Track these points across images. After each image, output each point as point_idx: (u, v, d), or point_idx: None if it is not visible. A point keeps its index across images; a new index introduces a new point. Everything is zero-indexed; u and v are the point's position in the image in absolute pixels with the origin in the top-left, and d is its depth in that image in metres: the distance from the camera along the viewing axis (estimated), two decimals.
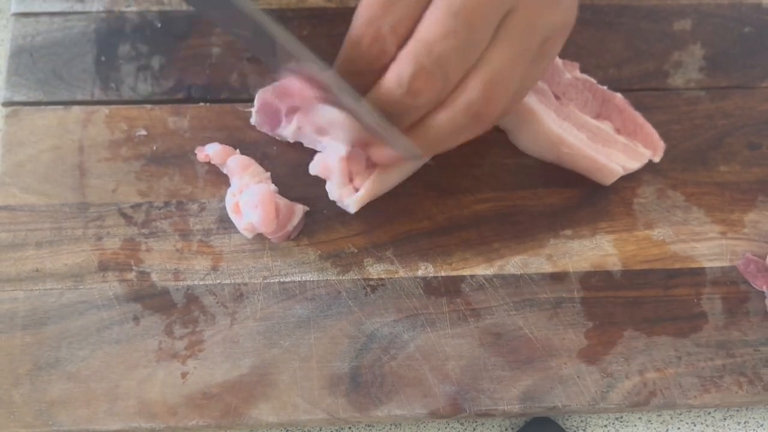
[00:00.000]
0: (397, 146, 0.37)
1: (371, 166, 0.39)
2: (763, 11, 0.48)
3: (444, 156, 0.40)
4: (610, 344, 0.40)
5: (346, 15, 0.46)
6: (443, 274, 0.41)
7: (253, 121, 0.43)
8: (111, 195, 0.42)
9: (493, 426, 0.42)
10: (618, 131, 0.43)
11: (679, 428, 0.42)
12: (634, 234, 0.43)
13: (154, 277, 0.41)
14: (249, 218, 0.40)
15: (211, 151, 0.42)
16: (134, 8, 0.46)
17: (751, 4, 0.49)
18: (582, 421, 0.42)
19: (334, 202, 0.41)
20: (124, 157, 0.43)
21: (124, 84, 0.45)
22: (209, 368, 0.39)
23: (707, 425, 0.42)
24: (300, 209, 0.41)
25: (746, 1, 0.49)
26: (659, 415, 0.42)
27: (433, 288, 0.41)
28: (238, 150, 0.42)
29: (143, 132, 0.44)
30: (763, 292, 0.42)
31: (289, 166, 0.43)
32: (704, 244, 0.43)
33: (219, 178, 0.43)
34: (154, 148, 0.43)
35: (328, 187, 0.40)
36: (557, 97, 0.43)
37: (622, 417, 0.42)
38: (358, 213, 0.41)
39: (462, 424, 0.42)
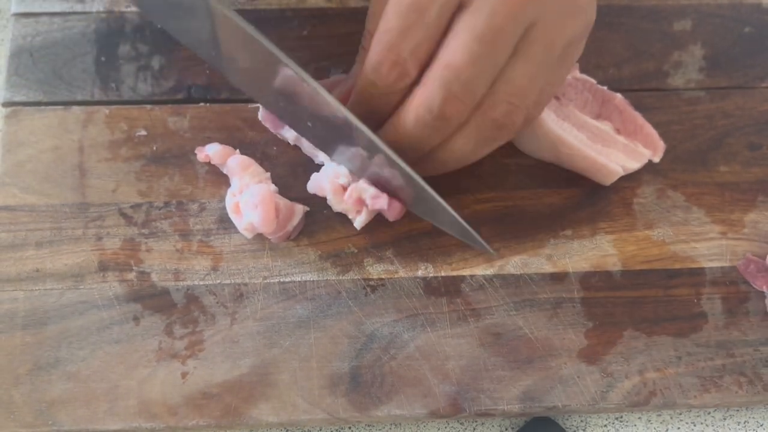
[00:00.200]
0: (477, 245, 0.39)
1: (375, 196, 0.39)
2: (763, 11, 0.48)
3: None
4: (610, 344, 0.40)
5: (346, 15, 0.47)
6: (443, 274, 0.41)
7: (260, 116, 0.43)
8: (111, 195, 0.42)
9: (493, 426, 0.42)
10: (618, 131, 0.43)
11: (679, 428, 0.42)
12: (634, 234, 0.43)
13: (154, 277, 0.41)
14: (249, 218, 0.40)
15: (211, 151, 0.42)
16: (134, 8, 0.46)
17: (751, 4, 0.49)
18: (582, 421, 0.42)
19: None
20: (124, 157, 0.43)
21: (124, 84, 0.45)
22: (209, 368, 0.39)
23: (707, 425, 0.42)
24: (300, 209, 0.41)
25: (746, 1, 0.49)
26: (659, 415, 0.42)
27: (433, 288, 0.41)
28: (238, 150, 0.42)
29: (143, 132, 0.44)
30: (763, 292, 0.42)
31: (289, 166, 0.43)
32: (704, 244, 0.43)
33: (219, 178, 0.43)
34: (154, 148, 0.43)
35: (329, 201, 0.40)
36: (557, 98, 0.43)
37: (622, 417, 0.42)
38: None
39: (462, 424, 0.42)
